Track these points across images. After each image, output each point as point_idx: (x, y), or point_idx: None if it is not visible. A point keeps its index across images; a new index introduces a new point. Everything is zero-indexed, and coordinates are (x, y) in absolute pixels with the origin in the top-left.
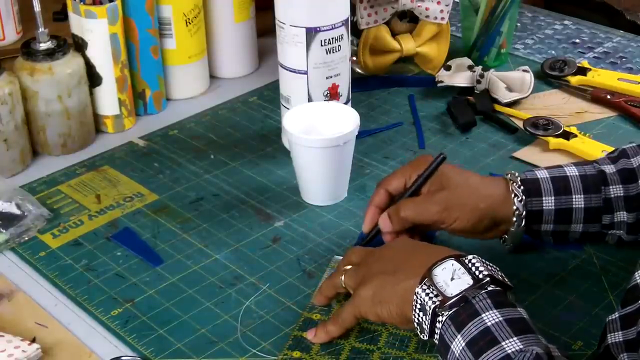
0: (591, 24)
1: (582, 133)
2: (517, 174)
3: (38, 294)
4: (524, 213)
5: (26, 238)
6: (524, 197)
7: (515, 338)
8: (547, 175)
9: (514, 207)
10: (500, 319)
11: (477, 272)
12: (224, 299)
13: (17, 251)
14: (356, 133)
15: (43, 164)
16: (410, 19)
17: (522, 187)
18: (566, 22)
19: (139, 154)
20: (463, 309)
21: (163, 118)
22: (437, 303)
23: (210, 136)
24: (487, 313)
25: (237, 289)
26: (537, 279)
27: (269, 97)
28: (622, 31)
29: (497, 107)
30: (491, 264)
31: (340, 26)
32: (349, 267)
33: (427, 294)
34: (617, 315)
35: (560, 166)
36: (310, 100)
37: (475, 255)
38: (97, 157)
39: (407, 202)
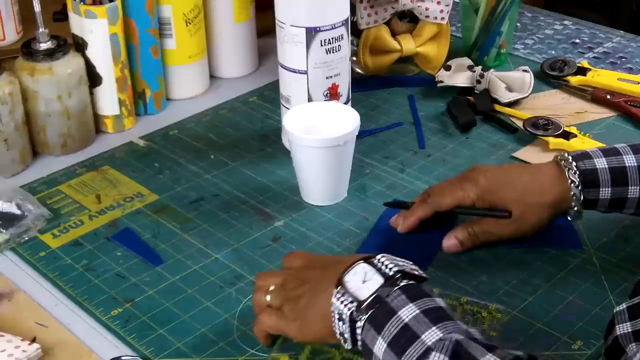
0: (591, 24)
1: (582, 133)
2: (570, 159)
3: (38, 294)
4: (582, 199)
5: (26, 238)
6: (581, 186)
7: (434, 327)
8: (606, 166)
9: (572, 194)
10: (417, 311)
11: (387, 270)
12: (224, 299)
13: (17, 251)
14: (356, 133)
15: (43, 164)
16: (410, 19)
17: (578, 175)
18: (566, 22)
19: (139, 154)
20: (379, 309)
21: (163, 118)
22: (353, 308)
23: (210, 136)
24: (403, 309)
25: (237, 289)
26: (537, 279)
27: (269, 97)
28: (622, 31)
29: (497, 107)
30: (402, 260)
31: (340, 26)
32: (271, 287)
33: (342, 302)
34: (624, 307)
35: (617, 151)
36: (310, 100)
37: (384, 254)
38: (97, 157)
39: (482, 225)
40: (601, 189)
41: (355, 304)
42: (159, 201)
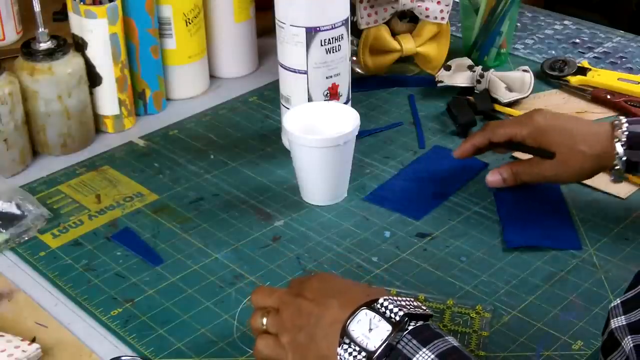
0: (591, 24)
1: None
2: (624, 120)
3: (38, 294)
4: (625, 159)
5: (26, 238)
6: (626, 146)
7: None
8: None
9: (616, 153)
10: (432, 356)
11: (392, 315)
12: (224, 299)
13: (17, 251)
14: (356, 133)
15: (43, 164)
16: (410, 19)
17: (626, 135)
18: (566, 22)
19: (139, 154)
20: (392, 358)
21: (163, 118)
22: None
23: (210, 136)
24: (417, 355)
25: (237, 288)
26: (537, 279)
27: (269, 97)
28: (622, 31)
29: (497, 107)
30: (404, 299)
31: (340, 26)
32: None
33: (350, 353)
34: (619, 301)
35: None
36: (310, 100)
37: (385, 297)
38: (97, 157)
39: (525, 165)
40: None
41: (364, 354)
42: (158, 201)
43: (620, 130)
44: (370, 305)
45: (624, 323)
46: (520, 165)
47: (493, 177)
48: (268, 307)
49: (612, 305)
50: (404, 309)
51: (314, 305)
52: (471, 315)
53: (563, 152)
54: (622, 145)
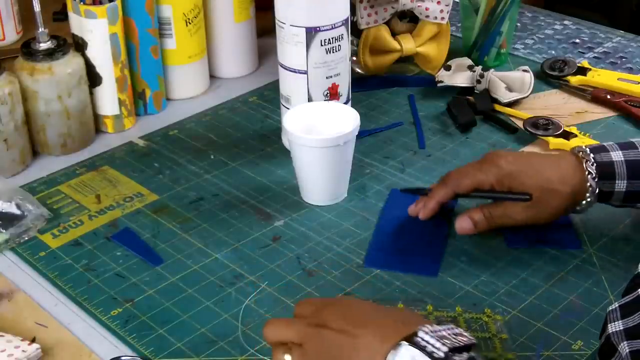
0: (591, 24)
1: (582, 133)
2: (588, 151)
3: (38, 294)
4: (597, 191)
5: (26, 238)
6: (597, 178)
7: None
8: (622, 159)
9: (589, 185)
10: None
11: (435, 350)
12: (223, 298)
13: (17, 251)
14: (356, 133)
15: (43, 164)
16: (410, 19)
17: (594, 167)
18: (566, 22)
19: (139, 154)
20: None
21: (163, 118)
22: None
23: (210, 136)
24: None
25: (237, 288)
26: (537, 279)
27: (269, 97)
28: (622, 31)
29: (497, 107)
30: (444, 327)
31: (340, 26)
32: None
33: None
34: (616, 305)
35: (634, 145)
36: (310, 100)
37: (423, 328)
38: (97, 157)
39: (498, 207)
40: (617, 182)
41: None
42: (158, 201)
43: (588, 162)
44: (411, 339)
45: (621, 328)
46: (493, 208)
47: (463, 224)
48: (288, 342)
49: (610, 309)
50: (447, 343)
51: (344, 337)
52: (484, 319)
53: (538, 193)
54: (593, 178)
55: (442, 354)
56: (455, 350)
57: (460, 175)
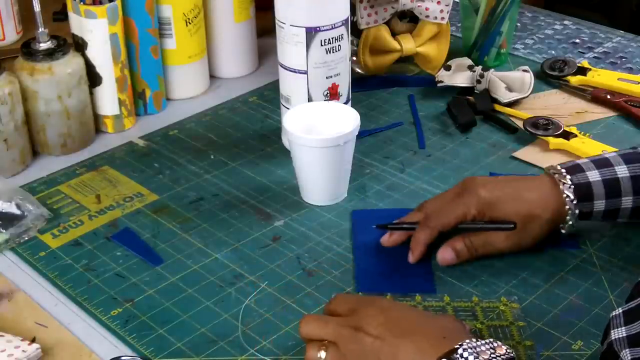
0: (591, 24)
1: (582, 133)
2: (564, 172)
3: (38, 294)
4: (577, 212)
5: (26, 238)
6: (576, 201)
7: None
8: (599, 179)
9: (568, 208)
10: None
11: None
12: (223, 298)
13: (17, 251)
14: (356, 133)
15: (43, 164)
16: (410, 19)
17: (573, 189)
18: (566, 22)
19: (139, 154)
20: None
21: (163, 118)
22: None
23: (210, 136)
24: None
25: (237, 288)
26: (537, 279)
27: (269, 97)
28: (622, 31)
29: (497, 107)
30: (483, 342)
31: (340, 26)
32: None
33: None
34: (620, 311)
35: (609, 162)
36: (310, 100)
37: (464, 345)
38: (97, 157)
39: (481, 237)
40: (595, 202)
41: None
42: (158, 201)
43: (565, 185)
44: (450, 356)
45: (624, 335)
46: (475, 237)
47: (445, 255)
48: (324, 341)
49: (613, 314)
50: (485, 357)
51: (382, 344)
52: (500, 308)
53: (521, 221)
54: (571, 201)
55: None
56: None
57: (441, 213)
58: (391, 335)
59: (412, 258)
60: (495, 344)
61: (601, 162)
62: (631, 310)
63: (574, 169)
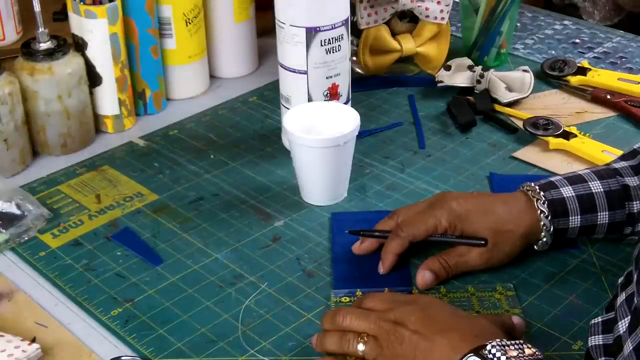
0: (591, 24)
1: (582, 133)
2: (538, 189)
3: (38, 294)
4: (552, 229)
5: (26, 238)
6: (550, 216)
7: None
8: (573, 194)
9: (542, 224)
10: None
11: None
12: (224, 299)
13: (17, 251)
14: (356, 133)
15: (43, 164)
16: (410, 19)
17: (547, 205)
18: (566, 22)
19: (139, 154)
20: None
21: (163, 118)
22: None
23: (210, 136)
24: None
25: (237, 288)
26: (537, 279)
27: (269, 97)
28: (622, 31)
29: (497, 107)
30: (512, 342)
31: (340, 26)
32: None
33: None
34: (599, 320)
35: (582, 178)
36: (310, 100)
37: (494, 342)
38: (97, 157)
39: (454, 255)
40: (570, 218)
41: None
42: (158, 201)
43: (539, 201)
44: (479, 352)
45: (601, 343)
46: (448, 256)
47: (425, 277)
48: (363, 333)
49: (593, 322)
50: (512, 355)
51: (419, 339)
52: (496, 296)
53: (492, 236)
54: (546, 217)
55: None
56: None
57: (412, 224)
58: (428, 331)
59: (382, 268)
60: (524, 345)
61: (574, 179)
62: (609, 320)
63: (548, 185)
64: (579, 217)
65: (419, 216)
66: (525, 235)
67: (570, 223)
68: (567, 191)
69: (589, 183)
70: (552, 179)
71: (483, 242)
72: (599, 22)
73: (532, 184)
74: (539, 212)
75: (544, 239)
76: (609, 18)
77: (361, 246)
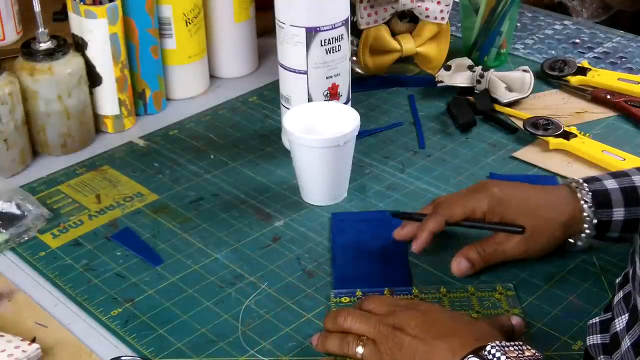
0: (591, 24)
1: (582, 133)
2: (582, 181)
3: (38, 294)
4: (595, 221)
5: (26, 238)
6: (594, 207)
7: None
8: (617, 186)
9: (585, 215)
10: None
11: None
12: (224, 299)
13: (17, 251)
14: (356, 133)
15: (43, 164)
16: (410, 19)
17: (590, 196)
18: (566, 22)
19: (139, 154)
20: None
21: (163, 118)
22: None
23: (210, 136)
24: None
25: (237, 289)
26: (537, 279)
27: (269, 97)
28: (622, 31)
29: (497, 107)
30: (511, 344)
31: (340, 26)
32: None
33: None
34: (597, 320)
35: (626, 174)
36: (310, 100)
37: (493, 344)
38: (97, 157)
39: (492, 243)
40: (614, 210)
41: None
42: (158, 201)
43: (582, 190)
44: (478, 352)
45: (599, 342)
46: (486, 244)
47: (461, 265)
48: (362, 336)
49: (590, 322)
50: (512, 356)
51: (419, 343)
52: (496, 296)
53: (531, 223)
54: (589, 207)
55: None
56: None
57: (451, 203)
58: (428, 336)
59: (415, 246)
60: (524, 347)
61: (617, 173)
62: (607, 320)
63: (592, 179)
64: (622, 209)
65: (458, 197)
66: (567, 225)
67: (613, 215)
68: (611, 183)
69: (632, 177)
70: (596, 174)
71: (520, 229)
72: (587, 19)
73: (576, 178)
74: (582, 202)
75: (587, 231)
76: (596, 15)
77: (402, 231)
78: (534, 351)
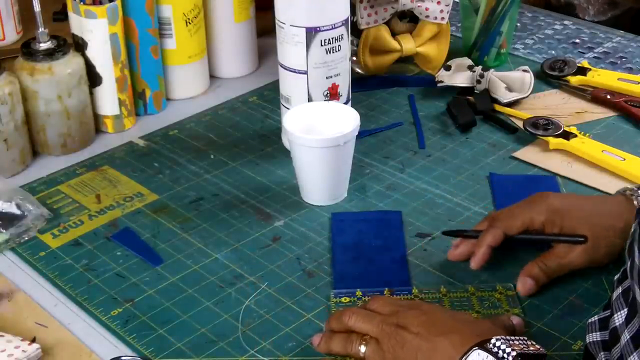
0: (591, 24)
1: (582, 133)
2: (636, 188)
3: (38, 294)
4: None
5: (26, 238)
6: None
7: None
8: None
9: None
10: None
11: (505, 355)
12: (224, 299)
13: (17, 251)
14: (356, 133)
15: (43, 164)
16: (410, 19)
17: None
18: (566, 22)
19: (139, 154)
20: None
21: (163, 118)
22: None
23: (210, 136)
24: None
25: (237, 289)
26: None
27: (269, 97)
28: (622, 31)
29: (497, 107)
30: (515, 337)
31: (340, 26)
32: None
33: None
34: (596, 318)
35: None
36: (310, 100)
37: (498, 337)
38: (97, 157)
39: (552, 257)
40: None
41: None
42: (158, 201)
43: (638, 197)
44: (483, 345)
45: (599, 339)
46: (548, 258)
47: (526, 285)
48: (365, 335)
49: (590, 321)
50: (517, 349)
51: (421, 341)
52: (496, 296)
53: (591, 232)
54: None
55: (510, 359)
56: (524, 356)
57: (508, 215)
58: (430, 334)
59: (474, 263)
60: (528, 342)
61: None
62: (606, 317)
63: None
64: None
65: (515, 209)
66: (625, 232)
67: None
68: None
69: None
70: None
71: (582, 239)
72: (593, 17)
73: (630, 185)
74: (638, 207)
75: None
76: (602, 12)
77: (456, 252)
78: (538, 346)
